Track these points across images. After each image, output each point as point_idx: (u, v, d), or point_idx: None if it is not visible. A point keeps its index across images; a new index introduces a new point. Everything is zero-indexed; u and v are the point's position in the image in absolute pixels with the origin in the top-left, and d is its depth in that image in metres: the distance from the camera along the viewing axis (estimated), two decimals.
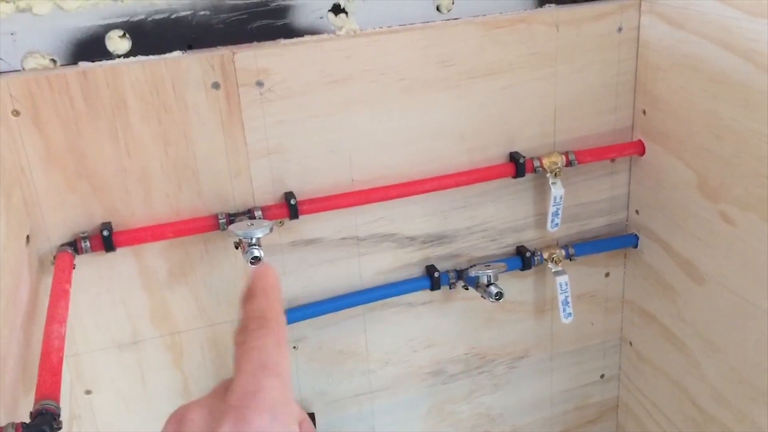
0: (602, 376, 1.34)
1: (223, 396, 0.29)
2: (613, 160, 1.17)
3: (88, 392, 1.03)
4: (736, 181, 0.96)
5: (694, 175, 1.04)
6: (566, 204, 1.15)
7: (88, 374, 1.02)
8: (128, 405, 1.06)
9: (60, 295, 0.81)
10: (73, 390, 1.02)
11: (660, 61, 1.07)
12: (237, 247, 0.96)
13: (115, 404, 1.05)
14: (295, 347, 1.12)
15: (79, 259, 0.94)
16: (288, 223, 1.03)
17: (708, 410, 1.11)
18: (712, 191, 1.01)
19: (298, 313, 1.07)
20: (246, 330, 0.31)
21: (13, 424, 0.61)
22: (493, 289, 1.07)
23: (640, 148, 1.14)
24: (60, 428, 0.63)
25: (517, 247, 1.17)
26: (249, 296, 0.33)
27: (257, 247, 0.92)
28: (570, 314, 1.18)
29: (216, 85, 0.93)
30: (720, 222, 1.00)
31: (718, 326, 1.06)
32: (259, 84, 0.95)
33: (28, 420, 0.63)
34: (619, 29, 1.09)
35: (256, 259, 0.92)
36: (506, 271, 1.12)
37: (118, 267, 0.98)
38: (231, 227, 0.93)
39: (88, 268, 0.96)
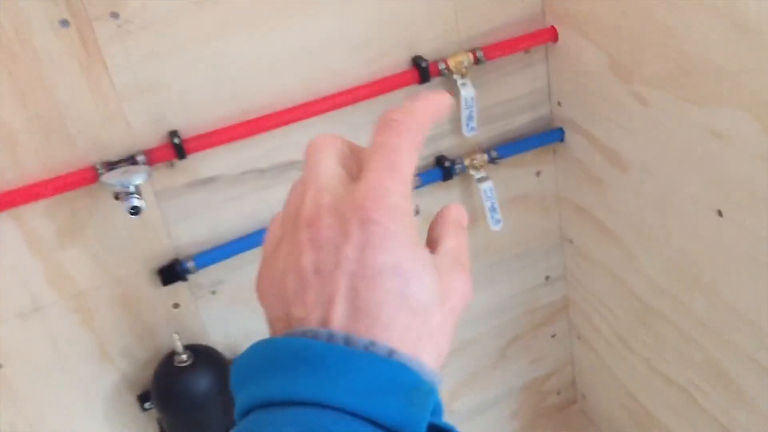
0: (547, 278, 1.30)
1: (349, 186, 0.30)
2: (526, 51, 1.09)
3: None
4: (646, 57, 0.88)
5: (605, 56, 0.96)
6: (483, 104, 1.07)
7: None
8: (45, 374, 1.01)
9: None
10: None
11: None
12: (117, 198, 0.89)
13: (30, 376, 1.00)
14: (213, 292, 1.06)
15: None
16: (180, 163, 0.96)
17: (648, 302, 1.07)
18: (624, 72, 0.94)
19: (208, 256, 1.01)
20: (387, 125, 0.31)
21: None
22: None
23: (552, 35, 1.06)
24: None
25: (436, 158, 1.10)
26: (413, 98, 0.33)
27: (137, 196, 0.85)
28: (499, 221, 1.13)
29: (64, 23, 0.84)
30: (635, 104, 0.93)
31: (647, 215, 1.00)
32: (114, 15, 0.86)
33: None
34: None
35: (136, 209, 0.85)
36: (421, 186, 1.05)
37: None
38: (102, 178, 0.86)
39: None
